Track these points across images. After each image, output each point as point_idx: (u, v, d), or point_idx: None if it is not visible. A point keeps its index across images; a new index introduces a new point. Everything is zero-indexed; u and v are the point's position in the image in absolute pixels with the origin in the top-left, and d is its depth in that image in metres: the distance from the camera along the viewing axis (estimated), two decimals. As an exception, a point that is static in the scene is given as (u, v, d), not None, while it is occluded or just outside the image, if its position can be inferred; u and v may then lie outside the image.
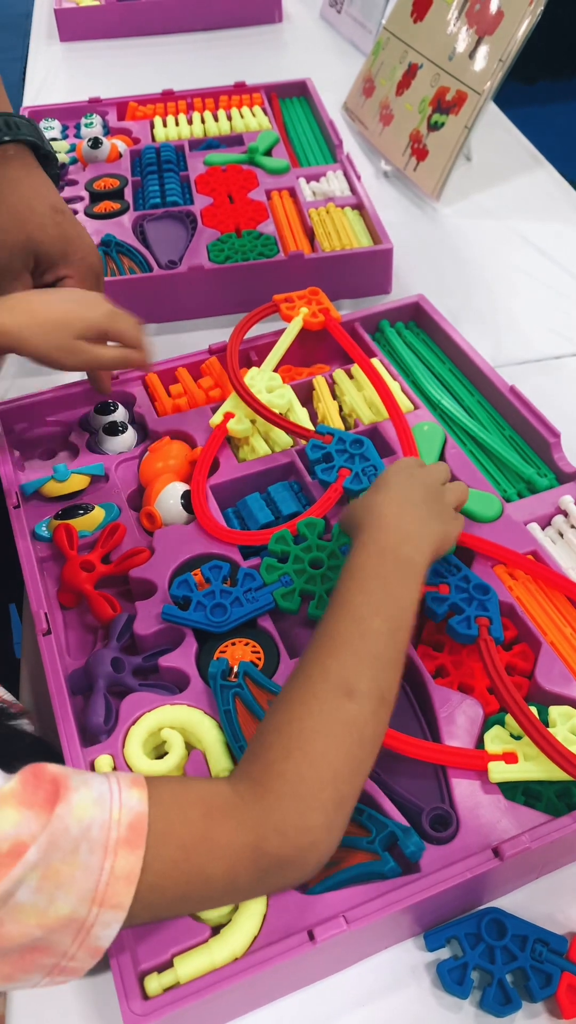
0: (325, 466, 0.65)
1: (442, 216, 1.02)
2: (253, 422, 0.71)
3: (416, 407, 0.72)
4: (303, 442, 0.68)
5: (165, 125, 1.11)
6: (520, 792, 0.49)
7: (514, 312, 0.89)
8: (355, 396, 0.73)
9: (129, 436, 0.72)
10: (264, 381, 0.72)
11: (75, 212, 0.96)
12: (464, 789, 0.49)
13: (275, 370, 0.74)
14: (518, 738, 0.50)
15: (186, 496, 0.66)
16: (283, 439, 0.70)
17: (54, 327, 0.61)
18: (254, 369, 0.74)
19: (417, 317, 0.83)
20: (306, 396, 0.76)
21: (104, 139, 1.04)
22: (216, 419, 0.70)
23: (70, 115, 1.14)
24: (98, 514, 0.66)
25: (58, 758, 0.50)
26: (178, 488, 0.67)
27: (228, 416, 0.70)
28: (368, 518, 0.52)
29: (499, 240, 0.98)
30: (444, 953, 0.47)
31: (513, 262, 0.95)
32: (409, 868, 0.46)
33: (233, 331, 0.76)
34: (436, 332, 0.80)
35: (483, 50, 0.95)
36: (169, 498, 0.66)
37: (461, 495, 0.57)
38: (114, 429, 0.71)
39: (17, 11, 1.51)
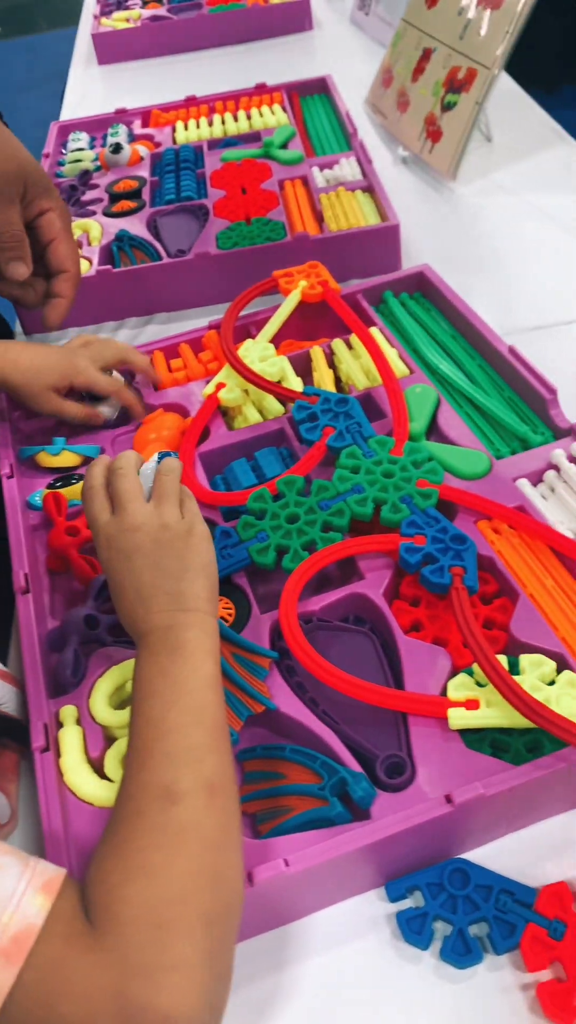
0: (310, 425, 0.64)
1: (458, 196, 1.00)
2: (246, 392, 0.71)
3: (412, 372, 0.71)
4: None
5: (187, 128, 1.14)
6: (487, 744, 0.47)
7: (525, 280, 0.87)
8: (351, 364, 0.72)
9: (112, 403, 0.73)
10: (258, 352, 0.72)
11: (94, 213, 0.99)
12: (423, 737, 0.46)
13: (274, 343, 0.74)
14: (483, 686, 0.48)
15: (178, 466, 0.66)
16: (275, 408, 0.70)
17: (34, 374, 0.68)
18: (249, 341, 0.74)
19: (422, 287, 0.82)
20: (305, 368, 0.75)
21: (125, 145, 1.07)
22: (208, 389, 0.71)
23: (98, 127, 1.19)
24: (89, 484, 0.67)
25: (23, 733, 0.50)
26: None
27: (220, 386, 0.71)
28: (125, 622, 0.47)
29: (514, 214, 0.96)
30: (407, 904, 0.45)
31: (527, 234, 0.93)
32: (361, 815, 0.45)
33: (231, 305, 0.76)
34: (440, 301, 0.79)
35: (491, 24, 0.94)
36: (148, 467, 0.66)
37: (172, 484, 0.51)
38: (96, 397, 0.72)
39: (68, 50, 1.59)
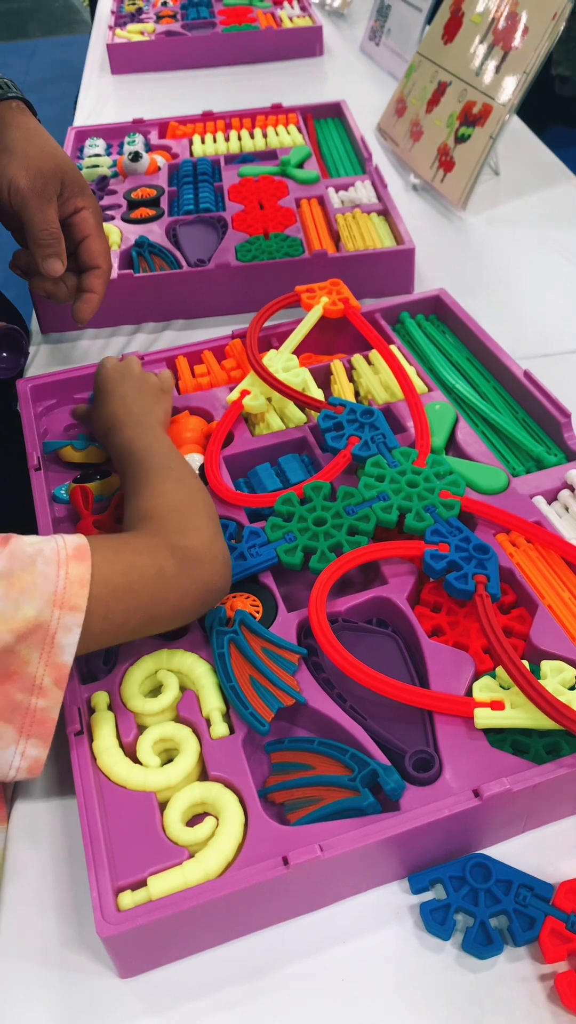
0: (336, 434, 0.66)
1: (468, 225, 1.04)
2: (269, 400, 0.73)
3: (430, 389, 0.74)
4: (316, 418, 0.70)
5: (203, 142, 1.16)
6: (508, 744, 0.49)
7: (534, 310, 0.90)
8: (371, 378, 0.75)
9: None
10: (281, 362, 0.74)
11: (112, 218, 1.01)
12: (449, 735, 0.48)
13: (295, 354, 0.77)
14: (507, 688, 0.50)
15: (202, 469, 0.68)
16: (297, 416, 0.72)
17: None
18: (272, 351, 0.76)
19: (438, 310, 0.85)
20: (324, 380, 0.78)
21: (144, 153, 1.09)
22: (233, 396, 0.73)
23: (114, 135, 1.21)
24: (115, 480, 0.69)
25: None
26: (195, 459, 0.69)
27: (244, 393, 0.73)
28: (111, 423, 0.65)
29: (523, 246, 1.00)
30: (429, 896, 0.46)
31: (536, 265, 0.97)
32: (390, 807, 0.46)
33: (255, 316, 0.79)
34: (455, 324, 0.82)
35: (509, 64, 0.98)
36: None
37: (166, 378, 0.72)
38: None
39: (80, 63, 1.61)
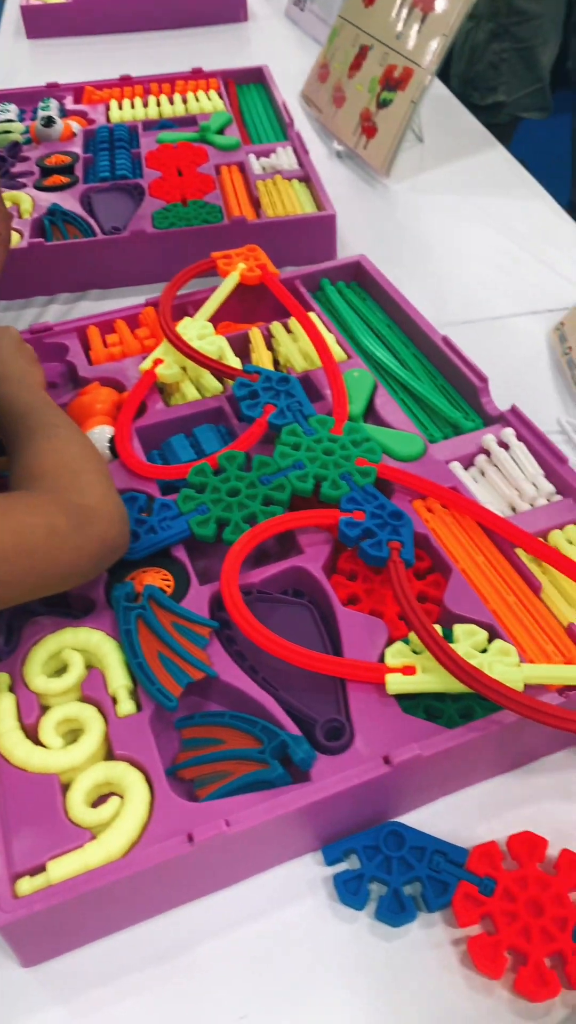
0: (251, 402, 0.64)
1: (392, 192, 1.03)
2: (184, 369, 0.71)
3: (350, 357, 0.72)
4: (232, 387, 0.68)
5: (120, 108, 1.12)
6: (422, 710, 0.48)
7: (459, 277, 0.89)
8: (290, 347, 0.73)
9: None
10: (196, 330, 0.72)
11: (24, 186, 0.97)
12: (361, 702, 0.48)
13: (212, 323, 0.74)
14: (419, 654, 0.49)
15: (112, 441, 0.66)
16: (213, 385, 0.70)
17: None
18: (187, 319, 0.74)
19: (358, 277, 0.84)
20: (242, 349, 0.76)
21: (58, 119, 1.05)
22: (145, 364, 0.70)
23: (28, 100, 1.16)
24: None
25: None
26: (106, 431, 0.66)
27: (158, 362, 0.70)
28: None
29: (447, 213, 0.99)
30: (343, 867, 0.46)
31: (460, 232, 0.96)
32: (301, 778, 0.45)
33: (169, 283, 0.76)
34: (376, 290, 0.81)
35: (427, 26, 0.97)
36: (95, 438, 0.65)
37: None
38: None
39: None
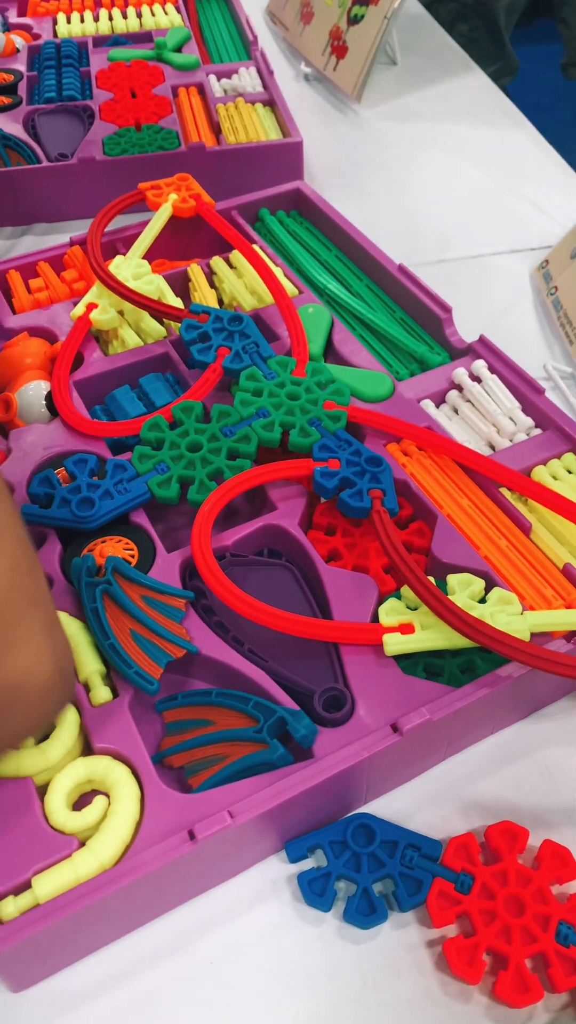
0: (202, 346, 0.59)
1: (364, 119, 0.96)
2: (121, 313, 0.64)
3: (301, 292, 0.67)
4: (177, 330, 0.62)
5: (69, 22, 1.03)
6: (421, 669, 0.45)
7: (431, 214, 0.83)
8: (235, 283, 0.67)
9: None
10: (130, 269, 0.65)
11: (-38, 107, 0.87)
12: (358, 667, 0.44)
13: (147, 260, 0.68)
14: (414, 609, 0.46)
15: (49, 397, 0.59)
16: (155, 329, 0.64)
17: None
18: (119, 258, 0.67)
19: (299, 205, 0.77)
20: (181, 288, 0.69)
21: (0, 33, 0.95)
22: (78, 311, 0.63)
23: None
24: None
25: None
26: (42, 387, 0.60)
27: (91, 307, 0.63)
28: None
29: (422, 143, 0.92)
30: (308, 865, 0.42)
31: (434, 165, 0.90)
32: (303, 755, 0.42)
33: (95, 219, 0.68)
34: (320, 219, 0.75)
35: None
36: (30, 396, 0.59)
37: None
38: None
39: None
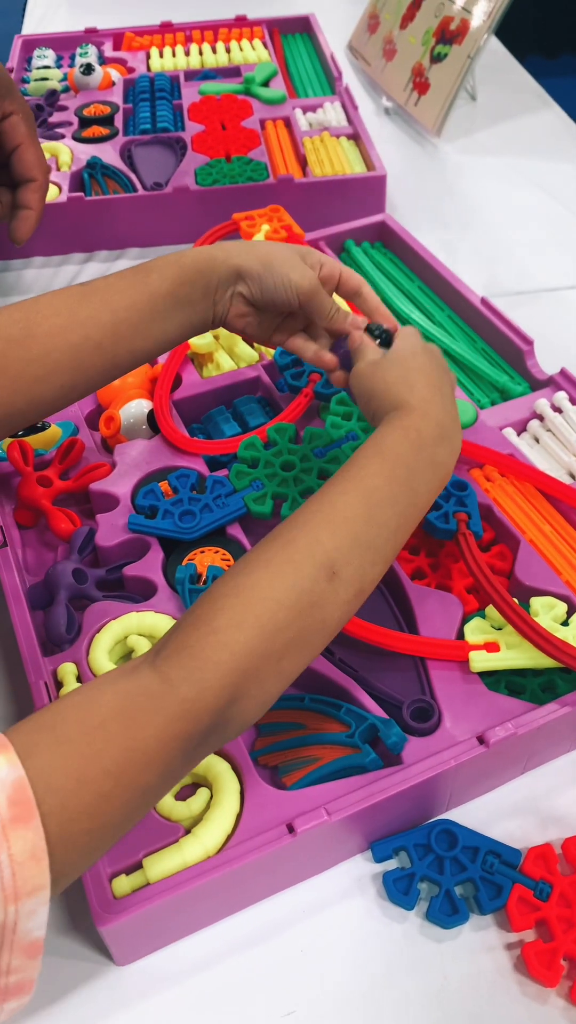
0: (295, 371, 0.62)
1: (443, 153, 0.99)
2: (216, 338, 0.68)
3: (385, 321, 0.70)
4: (269, 355, 0.66)
5: (162, 56, 1.08)
6: (503, 686, 0.47)
7: (510, 246, 0.86)
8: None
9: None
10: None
11: (62, 136, 0.93)
12: (445, 681, 0.46)
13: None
14: (499, 629, 0.48)
15: (151, 416, 0.63)
16: (248, 354, 0.67)
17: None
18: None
19: (384, 237, 0.81)
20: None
21: (97, 66, 1.01)
22: (177, 334, 0.67)
23: (66, 45, 1.11)
24: (54, 432, 0.63)
25: None
26: (143, 405, 0.63)
27: (190, 331, 0.67)
28: (407, 397, 0.44)
29: (500, 177, 0.95)
30: (392, 865, 0.44)
31: (513, 198, 0.92)
32: (391, 761, 0.44)
33: (194, 246, 0.72)
34: (404, 251, 0.78)
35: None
36: (133, 414, 0.63)
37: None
38: None
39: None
